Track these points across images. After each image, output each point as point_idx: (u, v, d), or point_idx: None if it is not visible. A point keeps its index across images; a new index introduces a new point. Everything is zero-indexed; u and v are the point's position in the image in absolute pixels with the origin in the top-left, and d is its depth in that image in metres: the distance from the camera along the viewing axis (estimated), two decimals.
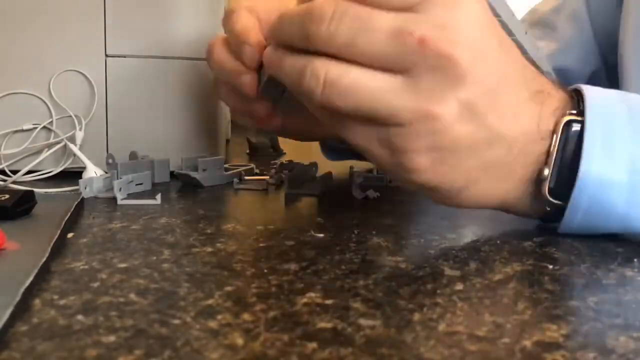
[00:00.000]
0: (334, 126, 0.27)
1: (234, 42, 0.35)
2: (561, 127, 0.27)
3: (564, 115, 0.27)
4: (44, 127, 0.46)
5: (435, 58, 0.23)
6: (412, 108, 0.24)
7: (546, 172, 0.27)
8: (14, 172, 0.43)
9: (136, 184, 0.41)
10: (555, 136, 0.27)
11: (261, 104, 0.36)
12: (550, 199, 0.28)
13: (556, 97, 0.28)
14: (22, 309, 0.19)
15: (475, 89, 0.24)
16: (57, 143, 0.45)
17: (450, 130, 0.24)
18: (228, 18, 0.36)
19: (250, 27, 0.34)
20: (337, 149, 0.53)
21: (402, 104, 0.24)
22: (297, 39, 0.25)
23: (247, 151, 0.72)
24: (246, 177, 0.49)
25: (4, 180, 0.42)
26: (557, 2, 0.60)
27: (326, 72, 0.24)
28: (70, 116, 0.45)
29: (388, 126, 0.25)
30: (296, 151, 0.72)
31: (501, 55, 0.26)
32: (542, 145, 0.27)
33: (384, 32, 0.23)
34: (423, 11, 0.24)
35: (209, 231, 0.31)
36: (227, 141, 0.73)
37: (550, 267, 0.25)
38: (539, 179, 0.28)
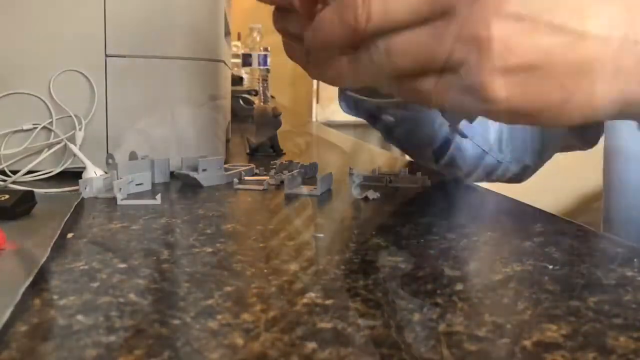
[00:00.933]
0: (407, 93, 0.26)
1: None
2: None
3: None
4: (44, 127, 0.46)
5: None
6: (463, 41, 0.23)
7: None
8: (14, 172, 0.43)
9: (136, 184, 0.41)
10: None
11: None
12: None
13: None
14: (22, 309, 0.19)
15: None
16: (57, 143, 0.45)
17: (514, 47, 0.22)
18: None
19: None
20: (355, 104, 0.53)
21: (452, 43, 0.23)
22: (345, 39, 0.26)
23: (247, 151, 0.72)
24: (246, 177, 0.49)
25: (4, 181, 0.42)
26: None
27: (384, 43, 0.24)
28: (70, 116, 0.45)
29: (454, 71, 0.24)
30: (296, 151, 0.72)
31: None
32: None
33: None
34: None
35: (209, 231, 0.31)
36: (227, 141, 0.73)
37: (550, 267, 0.25)
38: None
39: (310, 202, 0.41)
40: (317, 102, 2.36)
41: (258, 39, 1.87)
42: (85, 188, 0.38)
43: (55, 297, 0.20)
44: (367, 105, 0.52)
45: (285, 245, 0.28)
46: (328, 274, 0.24)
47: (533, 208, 0.39)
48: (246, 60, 1.79)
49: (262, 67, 1.77)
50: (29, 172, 0.44)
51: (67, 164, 0.45)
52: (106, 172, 0.42)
